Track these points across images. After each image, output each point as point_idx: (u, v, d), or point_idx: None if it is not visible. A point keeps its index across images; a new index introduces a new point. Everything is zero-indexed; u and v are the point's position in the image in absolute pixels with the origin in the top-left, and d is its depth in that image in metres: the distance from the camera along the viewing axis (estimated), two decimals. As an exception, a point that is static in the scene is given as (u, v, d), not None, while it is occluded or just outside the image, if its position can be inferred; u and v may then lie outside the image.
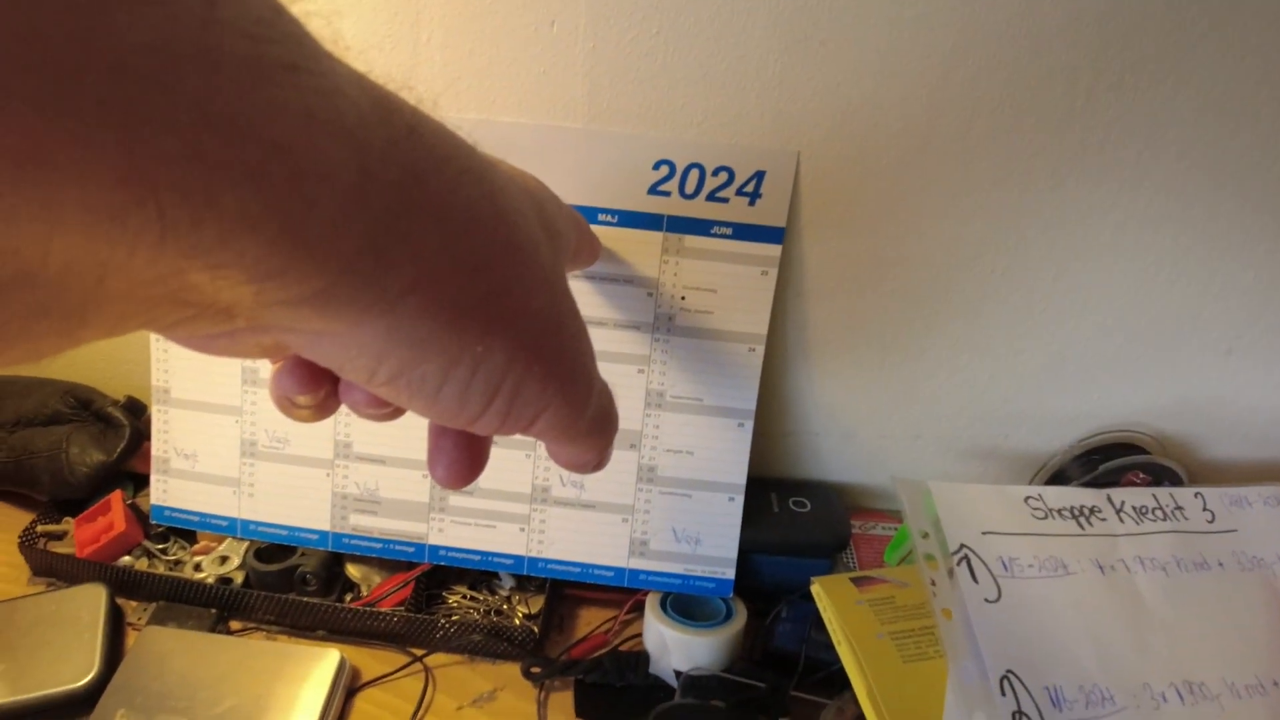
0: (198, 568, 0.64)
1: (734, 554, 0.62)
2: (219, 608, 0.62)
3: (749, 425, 0.61)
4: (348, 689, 0.58)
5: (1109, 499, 0.63)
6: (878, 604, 0.57)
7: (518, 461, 0.62)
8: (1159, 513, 0.63)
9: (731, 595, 0.62)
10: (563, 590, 0.65)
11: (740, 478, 0.62)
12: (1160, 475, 0.67)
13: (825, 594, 0.58)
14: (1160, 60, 0.54)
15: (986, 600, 0.54)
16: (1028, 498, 0.61)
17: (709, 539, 0.62)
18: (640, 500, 0.62)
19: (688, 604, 0.62)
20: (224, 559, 0.64)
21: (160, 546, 0.66)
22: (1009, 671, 0.51)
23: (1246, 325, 0.64)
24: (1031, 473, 0.69)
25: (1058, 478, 0.68)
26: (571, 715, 0.57)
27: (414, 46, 0.56)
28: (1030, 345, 0.65)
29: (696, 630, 0.58)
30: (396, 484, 0.62)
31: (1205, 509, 0.64)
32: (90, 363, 0.75)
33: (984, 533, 0.57)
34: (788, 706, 0.56)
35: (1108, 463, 0.66)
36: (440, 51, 0.56)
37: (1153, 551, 0.60)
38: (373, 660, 0.60)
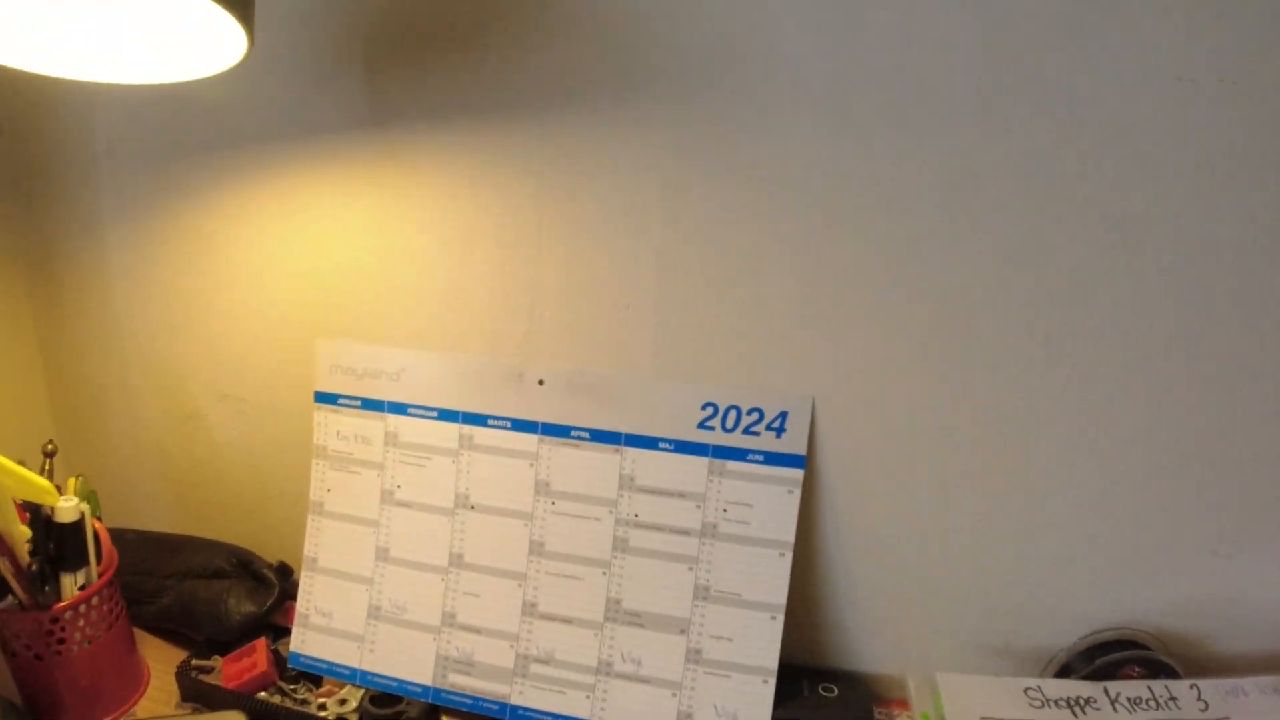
0: (321, 707, 0.78)
1: (766, 729, 0.73)
2: (338, 745, 0.76)
3: (780, 618, 0.73)
4: (438, 824, 0.71)
5: (1105, 691, 0.70)
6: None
7: (586, 639, 0.75)
8: (1152, 703, 0.70)
9: (763, 764, 0.73)
10: (620, 752, 0.76)
11: (773, 663, 0.73)
12: (1157, 670, 0.74)
13: (839, 770, 0.68)
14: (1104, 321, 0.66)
15: None
16: (1027, 689, 0.70)
17: (744, 714, 0.73)
18: (687, 678, 0.74)
19: (723, 769, 0.73)
20: (343, 701, 0.78)
21: (292, 687, 0.80)
22: None
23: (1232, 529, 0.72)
24: (1040, 667, 0.78)
25: (1063, 672, 0.76)
26: None
27: (529, 321, 0.74)
28: (1031, 549, 0.75)
29: (728, 796, 0.69)
30: (489, 651, 0.77)
31: (1200, 699, 0.70)
32: (252, 530, 0.93)
33: (983, 718, 0.66)
34: None
35: (1104, 657, 0.74)
36: (550, 325, 0.74)
37: None
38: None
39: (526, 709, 0.76)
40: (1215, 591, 0.75)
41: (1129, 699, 0.70)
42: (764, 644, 0.73)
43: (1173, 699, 0.70)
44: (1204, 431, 0.69)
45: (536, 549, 0.76)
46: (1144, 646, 0.76)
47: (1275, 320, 0.65)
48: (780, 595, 0.73)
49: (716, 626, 0.74)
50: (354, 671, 0.79)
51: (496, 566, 0.77)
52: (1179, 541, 0.73)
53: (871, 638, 0.80)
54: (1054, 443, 0.71)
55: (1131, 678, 0.74)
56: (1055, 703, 0.69)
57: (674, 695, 0.74)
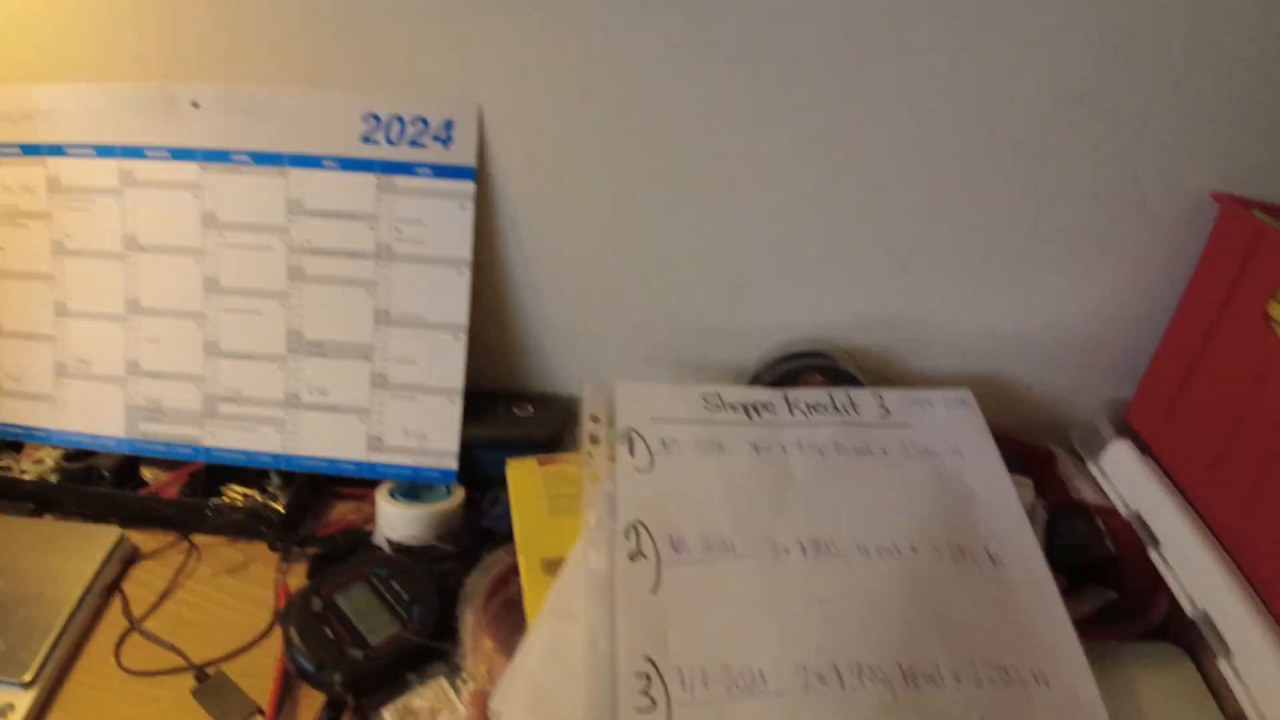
0: (23, 472, 0.76)
1: (455, 447, 0.73)
2: (34, 500, 0.74)
3: (463, 337, 0.73)
4: (125, 560, 0.70)
5: (785, 398, 0.71)
6: (551, 476, 0.68)
7: (271, 374, 0.74)
8: (830, 409, 0.71)
9: (454, 482, 0.73)
10: (322, 486, 0.76)
11: (458, 382, 0.73)
12: (840, 379, 0.76)
13: (512, 470, 0.69)
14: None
15: (637, 469, 0.63)
16: (706, 394, 0.70)
17: (434, 435, 0.73)
18: (374, 403, 0.73)
19: (420, 490, 0.73)
20: (39, 462, 0.76)
21: (-7, 457, 0.78)
22: (638, 521, 0.60)
23: (919, 242, 0.73)
24: (733, 382, 0.79)
25: (752, 384, 0.78)
26: (304, 579, 0.68)
27: (174, 33, 0.69)
28: (717, 263, 0.75)
29: (408, 505, 0.70)
30: (176, 395, 0.75)
31: (882, 406, 0.72)
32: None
33: (654, 419, 0.67)
34: (474, 561, 0.66)
35: (787, 364, 0.76)
36: (194, 33, 0.69)
37: (815, 438, 0.68)
38: (155, 541, 0.72)
39: (219, 449, 0.75)
40: (904, 309, 0.77)
41: (807, 404, 0.71)
42: (449, 365, 0.73)
43: (853, 405, 0.72)
44: (890, 146, 0.69)
45: (212, 285, 0.73)
46: (830, 358, 0.77)
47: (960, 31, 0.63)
48: (461, 314, 0.72)
49: (400, 350, 0.73)
50: (49, 433, 0.77)
51: (173, 308, 0.74)
52: (867, 256, 0.74)
53: (568, 359, 0.80)
54: (735, 154, 0.70)
55: (811, 385, 0.76)
56: (731, 407, 0.70)
57: (362, 421, 0.73)
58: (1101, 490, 0.75)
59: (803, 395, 0.71)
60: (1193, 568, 0.65)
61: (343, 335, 0.73)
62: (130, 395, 0.75)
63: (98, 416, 0.75)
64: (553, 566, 0.60)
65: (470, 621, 0.60)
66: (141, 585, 0.69)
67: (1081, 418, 0.80)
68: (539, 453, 0.72)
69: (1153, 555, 0.68)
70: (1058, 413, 0.83)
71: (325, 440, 0.73)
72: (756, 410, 0.70)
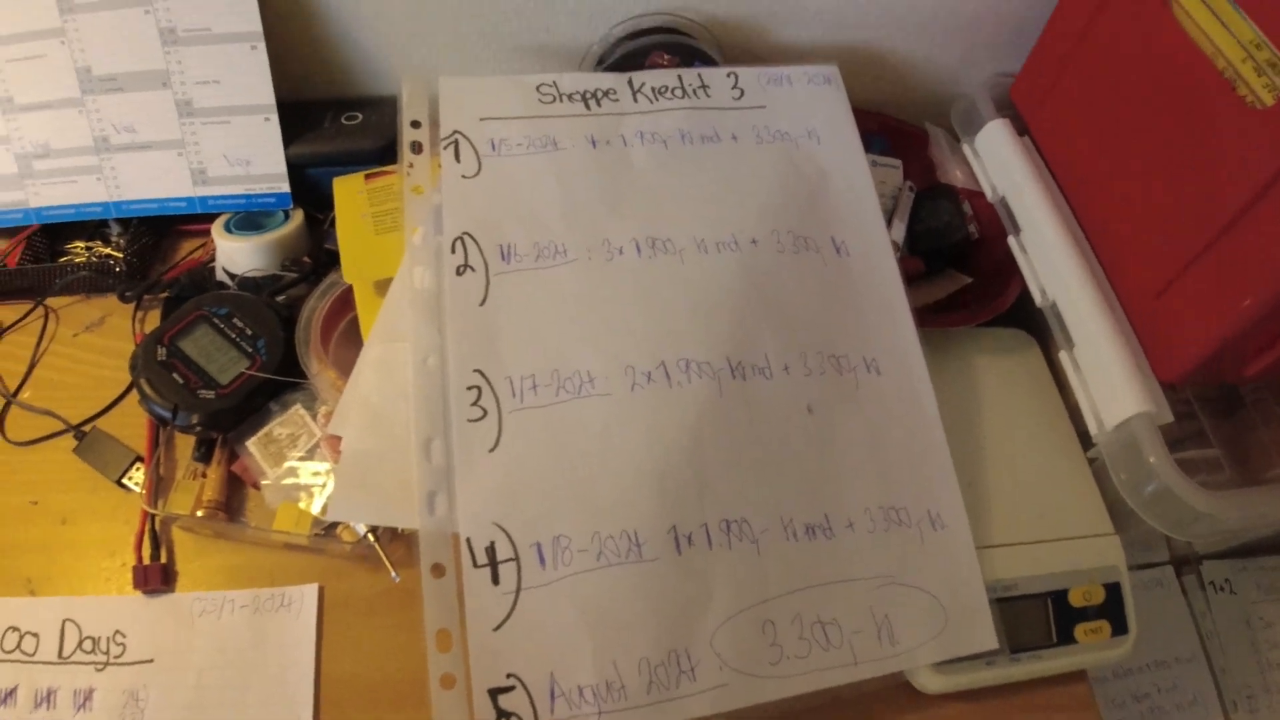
0: None
1: (281, 169, 0.69)
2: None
3: (261, 45, 0.66)
4: (-16, 338, 0.69)
5: (629, 82, 0.65)
6: (376, 191, 0.65)
7: (72, 119, 0.68)
8: (679, 91, 0.65)
9: (290, 207, 0.70)
10: (165, 229, 0.73)
11: (268, 97, 0.68)
12: (692, 57, 0.69)
13: (338, 187, 0.65)
14: None
15: (464, 177, 0.59)
16: (540, 85, 0.63)
17: (257, 159, 0.69)
18: (187, 134, 0.69)
19: (262, 220, 0.70)
20: None
21: None
22: (465, 234, 0.57)
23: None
24: (576, 65, 0.72)
25: (597, 67, 0.71)
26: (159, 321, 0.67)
27: None
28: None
29: (244, 237, 0.67)
30: (-15, 159, 0.70)
31: (736, 87, 0.66)
32: None
33: (482, 119, 0.61)
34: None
35: (631, 41, 0.68)
36: None
37: (659, 127, 0.63)
38: (12, 313, 0.71)
39: (47, 208, 0.71)
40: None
41: (653, 89, 0.65)
42: (253, 79, 0.67)
43: (704, 87, 0.65)
44: None
45: (-22, 33, 0.65)
46: (682, 33, 0.69)
47: None
48: (253, 19, 0.65)
49: (197, 70, 0.67)
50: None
51: (-51, 66, 0.67)
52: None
53: (391, 54, 0.73)
54: None
55: (660, 65, 0.68)
56: (569, 97, 0.63)
57: (180, 154, 0.69)
58: (973, 173, 0.70)
59: (649, 78, 0.65)
60: (1048, 257, 0.63)
61: (133, 64, 0.66)
62: (-60, 166, 0.70)
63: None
64: (384, 287, 0.59)
65: (312, 348, 0.60)
66: (8, 359, 0.69)
67: (965, 95, 0.73)
68: (374, 164, 0.68)
69: (1012, 242, 0.66)
70: (941, 90, 0.78)
71: (149, 181, 0.70)
72: (596, 99, 0.64)
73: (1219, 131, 0.54)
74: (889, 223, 0.69)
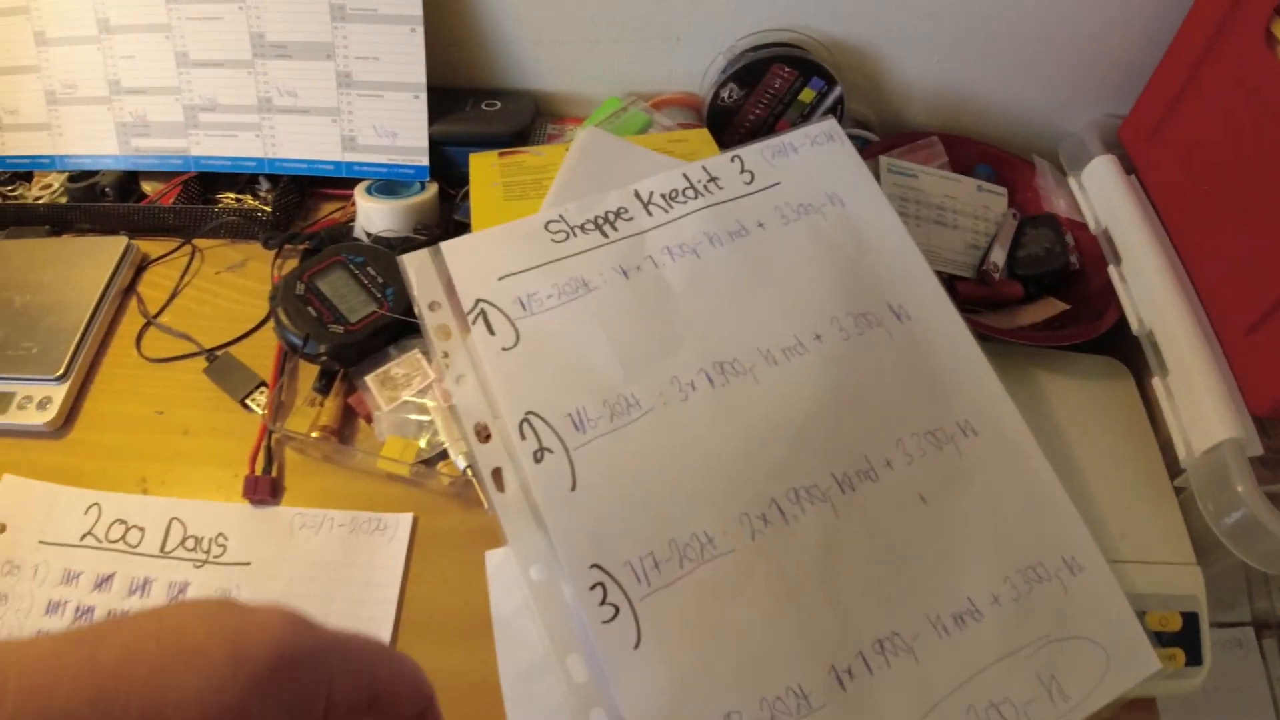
0: (37, 198, 0.81)
1: (424, 144, 0.75)
2: (48, 223, 0.79)
3: (419, 29, 0.72)
4: (137, 265, 0.76)
5: (635, 194, 0.61)
6: (508, 166, 0.70)
7: (242, 79, 0.75)
8: (690, 192, 0.61)
9: (427, 179, 0.76)
10: (308, 189, 0.80)
11: (420, 78, 0.74)
12: (809, 71, 0.73)
13: (474, 161, 0.70)
14: None
15: (504, 349, 0.53)
16: (548, 223, 0.59)
17: (403, 133, 0.75)
18: (343, 103, 0.75)
19: (398, 187, 0.76)
20: (47, 187, 0.81)
21: (9, 188, 0.83)
22: (528, 414, 0.51)
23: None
24: (706, 65, 0.77)
25: (726, 71, 0.75)
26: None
27: None
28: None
29: (384, 200, 0.73)
30: (159, 109, 0.77)
31: (744, 171, 0.62)
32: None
33: (500, 278, 0.56)
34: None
35: (754, 54, 0.73)
36: None
37: (683, 237, 0.59)
38: (161, 247, 0.77)
39: (206, 157, 0.78)
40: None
41: (663, 195, 0.61)
42: (409, 59, 0.73)
43: (713, 180, 0.62)
44: None
45: (171, -7, 0.73)
46: (802, 49, 0.74)
47: None
48: (416, 4, 0.72)
49: (360, 47, 0.73)
50: (51, 158, 0.81)
51: (140, 22, 0.75)
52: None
53: (534, 52, 0.79)
54: None
55: (781, 77, 0.73)
56: (582, 228, 0.59)
57: (334, 121, 0.75)
58: (1077, 205, 0.72)
59: (655, 185, 0.61)
60: (1146, 285, 0.65)
61: (303, 35, 0.73)
62: (118, 113, 0.78)
63: (92, 138, 0.79)
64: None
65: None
66: (153, 287, 0.74)
67: (1074, 133, 0.76)
68: (505, 147, 0.73)
69: (1112, 271, 0.68)
70: (1049, 127, 0.80)
71: (302, 142, 0.76)
72: (610, 223, 0.59)
73: (1317, 170, 0.56)
74: (990, 248, 0.72)
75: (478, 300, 0.54)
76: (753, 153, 0.62)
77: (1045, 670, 0.49)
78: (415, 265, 0.55)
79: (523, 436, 0.50)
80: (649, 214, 0.59)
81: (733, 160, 0.62)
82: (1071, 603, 0.52)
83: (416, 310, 0.55)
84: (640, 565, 0.48)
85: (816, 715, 0.46)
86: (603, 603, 0.47)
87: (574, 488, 0.49)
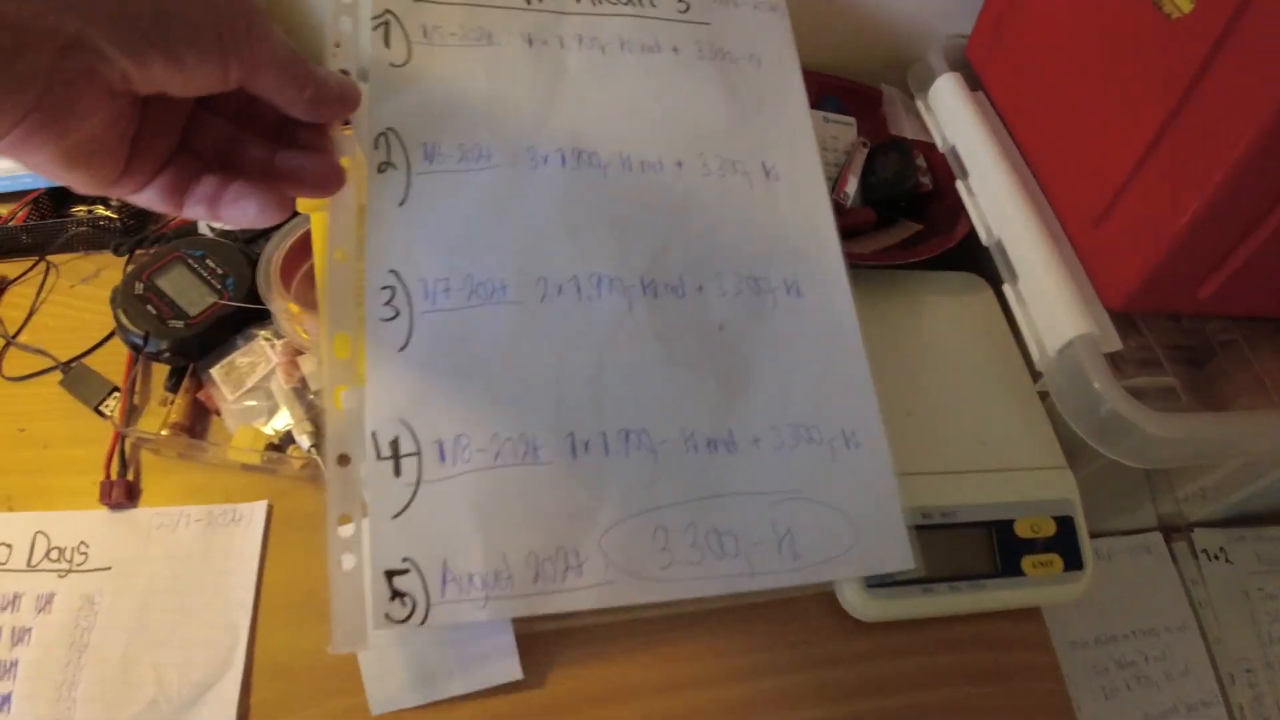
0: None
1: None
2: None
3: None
4: (-6, 289, 0.75)
5: None
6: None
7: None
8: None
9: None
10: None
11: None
12: None
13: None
14: None
15: (392, 65, 0.56)
16: None
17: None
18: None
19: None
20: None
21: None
22: (390, 129, 0.54)
23: None
24: None
25: None
26: (148, 275, 0.72)
27: None
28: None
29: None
30: None
31: (682, 0, 0.65)
32: None
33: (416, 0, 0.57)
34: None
35: None
36: None
37: (599, 32, 0.61)
38: (17, 268, 0.76)
39: (55, 173, 0.77)
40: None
41: None
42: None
43: None
44: None
45: None
46: None
47: None
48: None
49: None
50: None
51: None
52: None
53: None
54: None
55: None
56: None
57: None
58: (925, 128, 0.72)
59: None
60: (992, 196, 0.64)
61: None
62: None
63: (-59, 163, 0.78)
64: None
65: (272, 281, 0.64)
66: (12, 308, 0.74)
67: (921, 57, 0.75)
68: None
69: (960, 187, 0.67)
70: (899, 53, 0.79)
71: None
72: None
73: (1143, 50, 0.55)
74: (842, 177, 0.71)
75: (386, 10, 0.56)
76: None
77: (783, 523, 0.51)
78: None
79: (375, 147, 0.53)
80: (578, 1, 0.61)
81: None
82: (835, 472, 0.53)
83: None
84: (432, 287, 0.52)
85: (539, 469, 0.49)
86: (388, 303, 0.51)
87: (402, 204, 0.53)
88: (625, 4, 0.63)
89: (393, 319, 0.52)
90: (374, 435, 0.49)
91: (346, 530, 0.46)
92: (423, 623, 0.46)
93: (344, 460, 0.48)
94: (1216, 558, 0.78)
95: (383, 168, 0.54)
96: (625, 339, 0.53)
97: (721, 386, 0.54)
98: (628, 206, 0.57)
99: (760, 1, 0.67)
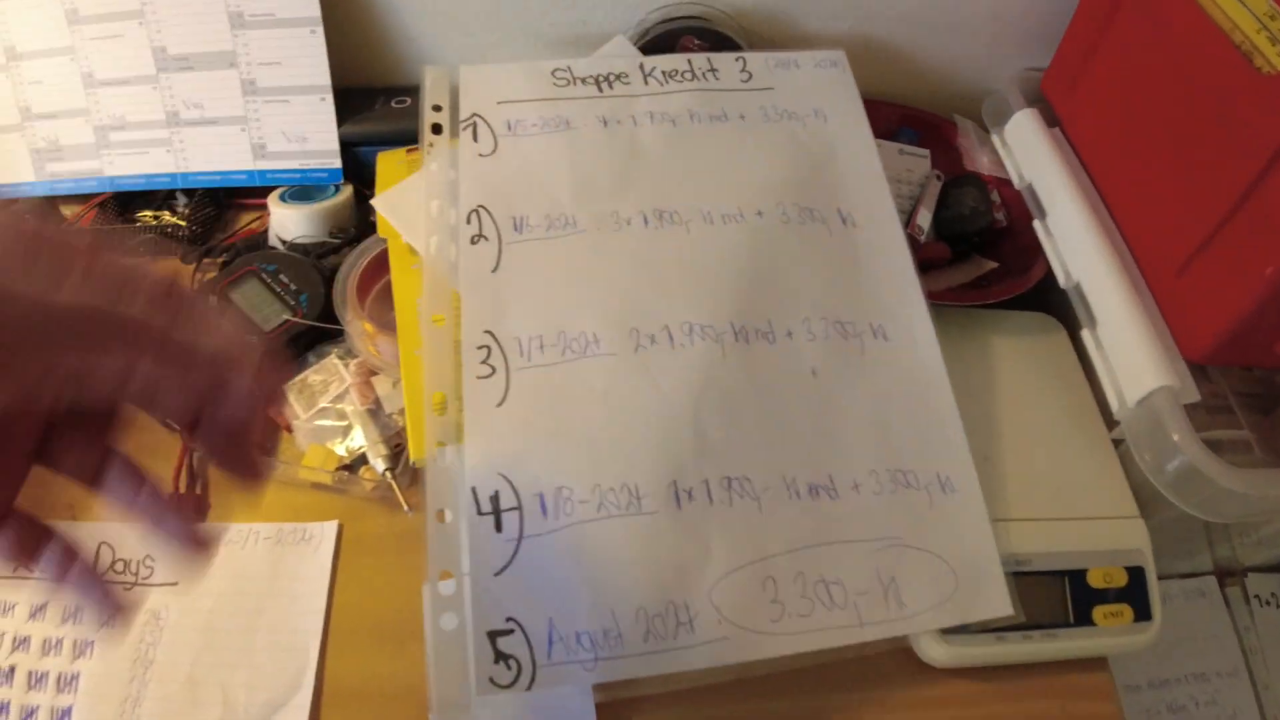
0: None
1: (334, 146, 0.74)
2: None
3: (319, 30, 0.71)
4: (59, 292, 0.75)
5: (640, 66, 0.66)
6: (415, 163, 0.68)
7: (147, 94, 0.74)
8: (689, 75, 0.66)
9: (341, 181, 0.74)
10: (225, 201, 0.79)
11: (324, 79, 0.72)
12: (719, 44, 0.72)
13: (381, 160, 0.70)
14: None
15: (480, 155, 0.61)
16: (555, 70, 0.65)
17: (313, 136, 0.74)
18: (250, 111, 0.74)
19: (313, 192, 0.75)
20: (-31, 215, 0.80)
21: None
22: (480, 206, 0.59)
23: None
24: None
25: None
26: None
27: None
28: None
29: (296, 206, 0.72)
30: (70, 132, 0.76)
31: (744, 70, 0.67)
32: None
33: (499, 102, 0.63)
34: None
35: (661, 28, 0.71)
36: None
37: (668, 107, 0.64)
38: (84, 272, 0.76)
39: (121, 176, 0.77)
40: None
41: (664, 72, 0.66)
42: (311, 62, 0.72)
43: (713, 71, 0.67)
44: None
45: (72, 17, 0.73)
46: (712, 23, 0.72)
47: None
48: (313, 5, 0.70)
49: (262, 53, 0.72)
50: (-30, 185, 0.80)
51: (45, 46, 0.74)
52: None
53: (441, 44, 0.77)
54: None
55: (690, 49, 0.71)
56: (583, 80, 0.65)
57: (242, 130, 0.74)
58: (1001, 162, 0.71)
59: (659, 63, 0.66)
60: (1072, 239, 0.63)
61: (204, 45, 0.72)
62: (31, 140, 0.77)
63: (7, 166, 0.78)
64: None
65: (348, 300, 0.63)
66: (77, 313, 0.73)
67: (996, 90, 0.75)
68: (415, 143, 0.72)
69: (1037, 226, 0.66)
70: (970, 85, 0.79)
71: (213, 154, 0.75)
72: (609, 82, 0.65)
73: (1235, 103, 0.54)
74: (915, 210, 0.70)
75: (473, 114, 0.62)
76: (758, 58, 0.66)
77: (887, 570, 0.50)
78: (433, 76, 0.63)
79: (467, 222, 0.57)
80: (645, 84, 0.64)
81: (737, 59, 0.66)
82: (935, 518, 0.52)
83: (420, 108, 0.63)
84: (526, 343, 0.53)
85: (643, 519, 0.48)
86: (484, 362, 0.52)
87: (494, 270, 0.56)
88: (690, 79, 0.65)
89: (489, 376, 0.52)
90: (474, 491, 0.49)
91: (447, 587, 0.45)
92: (529, 687, 0.44)
93: (442, 516, 0.48)
94: (1269, 603, 0.77)
95: (475, 240, 0.57)
96: (720, 384, 0.53)
97: (818, 432, 0.53)
98: (712, 257, 0.57)
99: (821, 59, 0.68)
